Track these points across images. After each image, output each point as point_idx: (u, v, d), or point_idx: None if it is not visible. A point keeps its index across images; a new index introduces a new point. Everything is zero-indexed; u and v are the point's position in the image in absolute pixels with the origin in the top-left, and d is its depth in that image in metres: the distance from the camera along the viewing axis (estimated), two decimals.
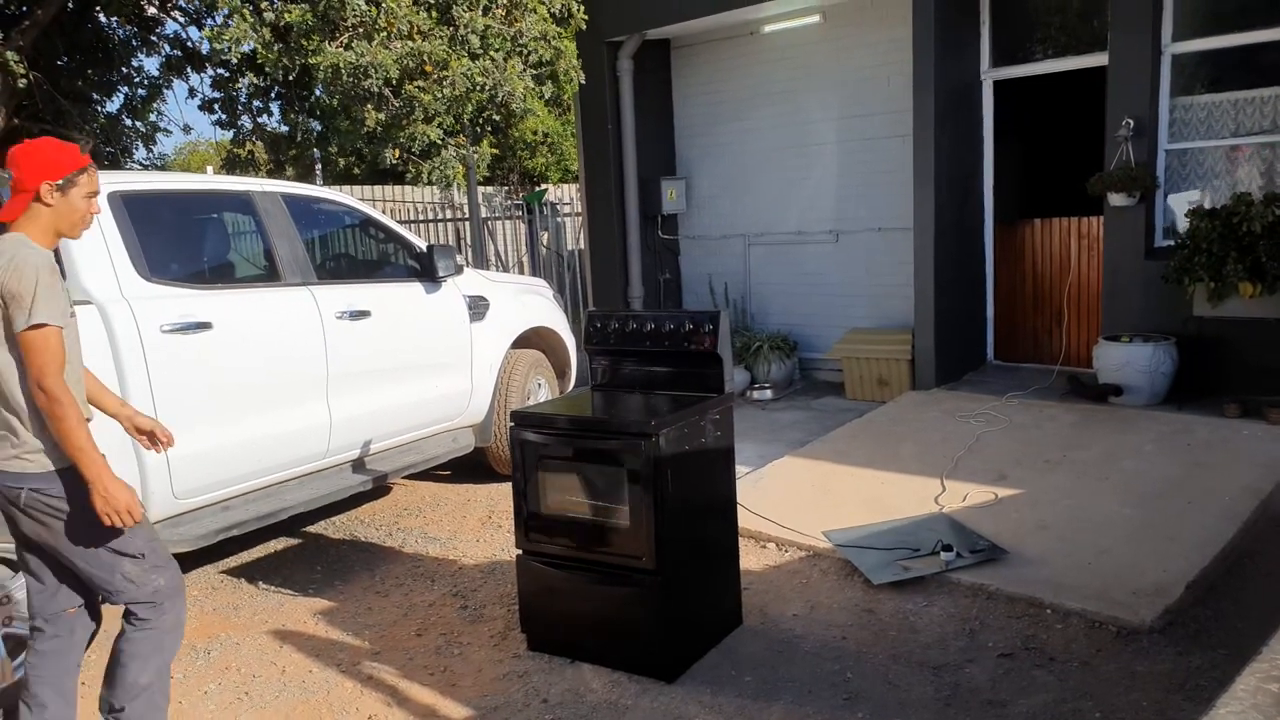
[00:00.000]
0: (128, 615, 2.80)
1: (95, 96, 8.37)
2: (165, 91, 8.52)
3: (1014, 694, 3.15)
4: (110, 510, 2.57)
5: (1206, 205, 5.81)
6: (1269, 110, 5.87)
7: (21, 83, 6.85)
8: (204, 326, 4.00)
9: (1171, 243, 6.00)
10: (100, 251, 3.79)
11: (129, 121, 8.50)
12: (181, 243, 4.48)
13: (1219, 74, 6.01)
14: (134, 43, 8.38)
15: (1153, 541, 4.11)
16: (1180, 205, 6.13)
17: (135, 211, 3.96)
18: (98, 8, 7.71)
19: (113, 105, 8.59)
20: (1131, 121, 6.01)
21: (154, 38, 8.49)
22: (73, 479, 2.59)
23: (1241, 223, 5.38)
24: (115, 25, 8.25)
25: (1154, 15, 5.94)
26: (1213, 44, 5.92)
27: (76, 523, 2.63)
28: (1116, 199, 6.11)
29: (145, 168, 8.85)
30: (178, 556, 4.02)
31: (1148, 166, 6.05)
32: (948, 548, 4.10)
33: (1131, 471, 4.91)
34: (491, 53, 6.74)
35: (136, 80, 8.48)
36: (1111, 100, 6.13)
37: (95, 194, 2.71)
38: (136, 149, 8.80)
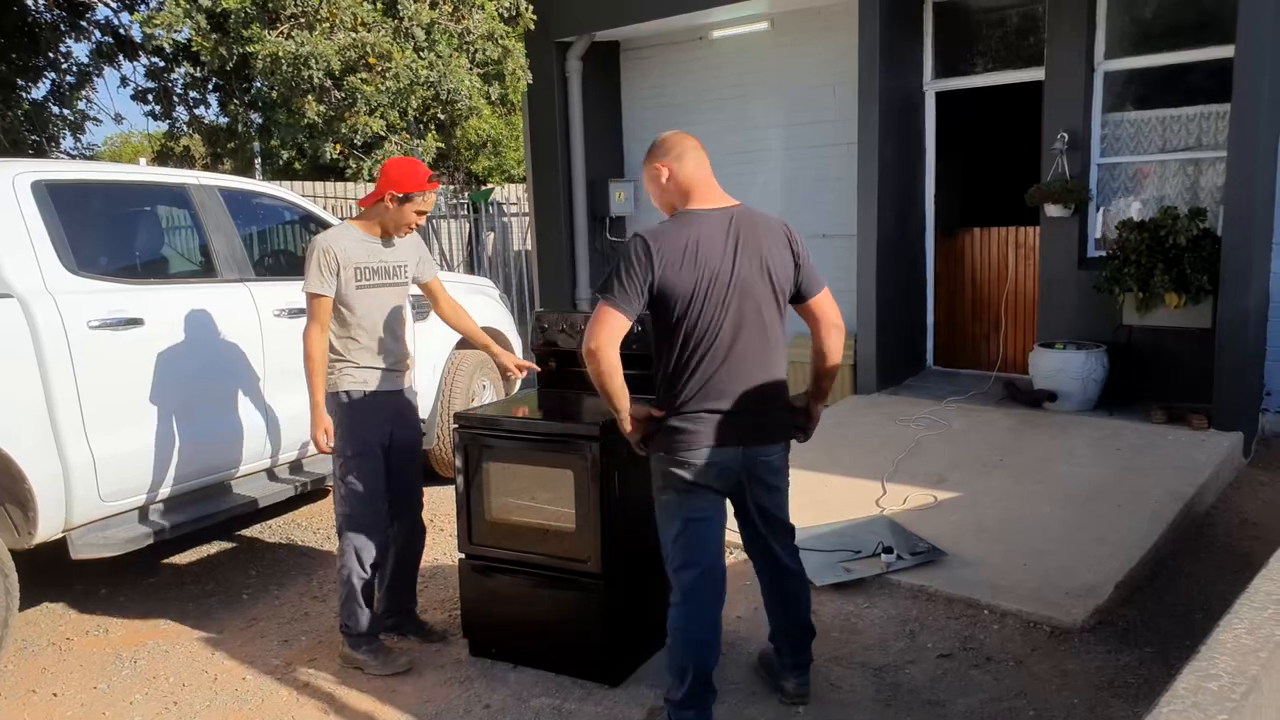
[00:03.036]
0: None
1: (20, 82, 8.06)
2: (95, 79, 8.26)
3: (953, 694, 3.20)
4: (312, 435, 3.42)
5: (1135, 218, 6.00)
6: (1194, 128, 6.08)
7: None
8: (135, 323, 3.86)
9: (1103, 253, 6.18)
10: (23, 243, 3.64)
11: (56, 109, 8.20)
12: (111, 236, 4.32)
13: (1148, 92, 6.22)
14: (62, 27, 8.09)
15: (1084, 543, 4.22)
16: (1111, 218, 6.32)
17: (61, 202, 3.80)
18: None
19: (39, 91, 8.30)
20: (1066, 135, 6.18)
21: (83, 23, 8.21)
22: (333, 403, 3.43)
23: (1168, 236, 5.57)
24: (42, 8, 7.96)
25: (1088, 33, 6.12)
26: (1142, 63, 6.12)
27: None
28: (1052, 210, 6.28)
29: (73, 157, 8.55)
30: (104, 561, 3.92)
31: (1082, 179, 6.23)
32: (888, 550, 4.15)
33: (1064, 475, 5.04)
34: (437, 48, 6.66)
35: (64, 66, 8.19)
36: (1047, 114, 6.30)
37: (425, 211, 3.49)
38: (64, 138, 8.52)
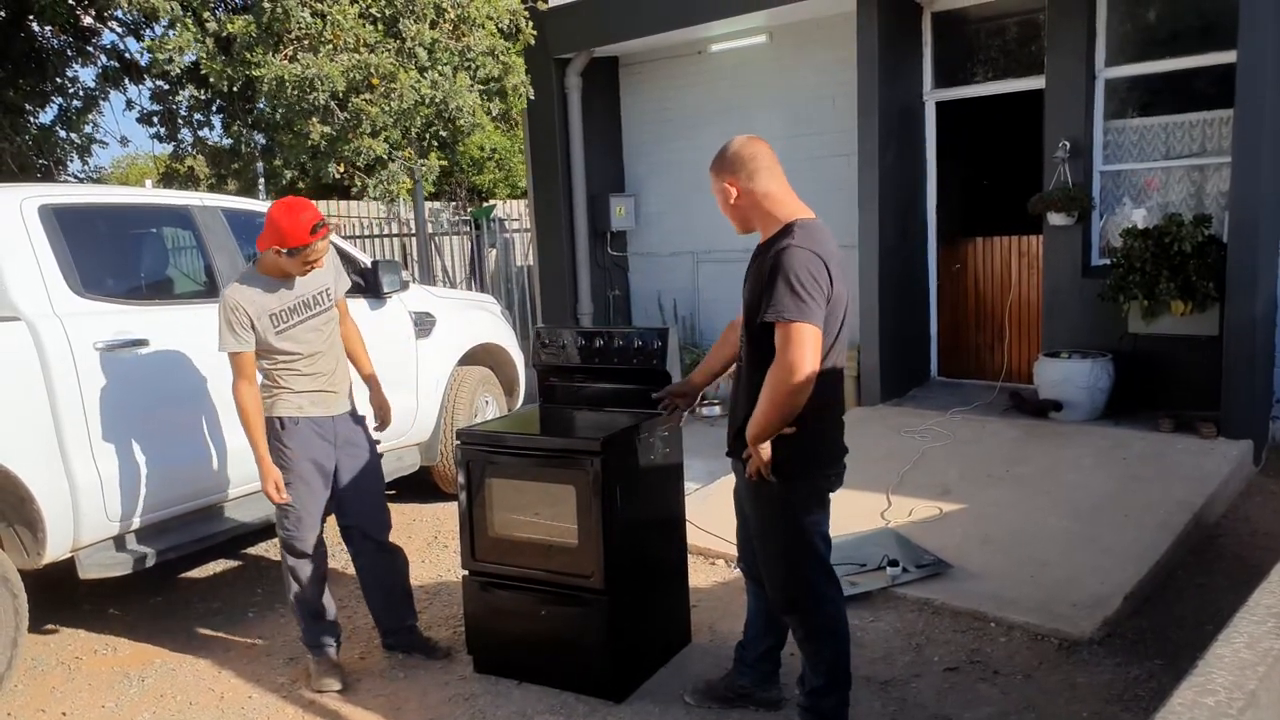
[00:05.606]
0: None
1: (28, 107, 8.13)
2: (101, 103, 8.30)
3: (959, 708, 3.18)
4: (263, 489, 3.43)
5: (1140, 225, 5.98)
6: (1197, 134, 6.07)
7: None
8: (140, 343, 3.88)
9: (1108, 261, 6.16)
10: (30, 266, 3.67)
11: (63, 133, 8.25)
12: (117, 258, 4.36)
13: (1150, 99, 6.21)
14: (69, 53, 8.16)
15: (1092, 554, 4.20)
16: (1114, 225, 6.31)
17: (68, 226, 3.84)
18: (31, 16, 7.50)
19: (46, 116, 8.34)
20: (1068, 143, 6.18)
21: (90, 48, 8.28)
22: (269, 428, 3.43)
23: (1173, 243, 5.55)
24: (49, 34, 8.03)
25: (1088, 41, 6.12)
26: (1144, 69, 6.12)
27: None
28: (1055, 218, 6.26)
29: (80, 181, 8.61)
30: (112, 581, 3.92)
31: (1084, 187, 6.23)
32: (894, 563, 4.14)
33: (1071, 485, 5.01)
34: (439, 66, 6.70)
35: (71, 91, 8.25)
36: (1049, 122, 6.30)
37: (313, 261, 3.34)
38: (71, 161, 8.55)
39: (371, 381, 3.80)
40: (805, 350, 2.53)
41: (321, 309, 3.50)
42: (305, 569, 3.51)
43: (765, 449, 2.67)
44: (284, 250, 3.28)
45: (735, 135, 2.90)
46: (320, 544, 3.55)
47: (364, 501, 3.62)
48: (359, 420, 3.64)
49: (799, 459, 2.71)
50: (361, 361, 3.79)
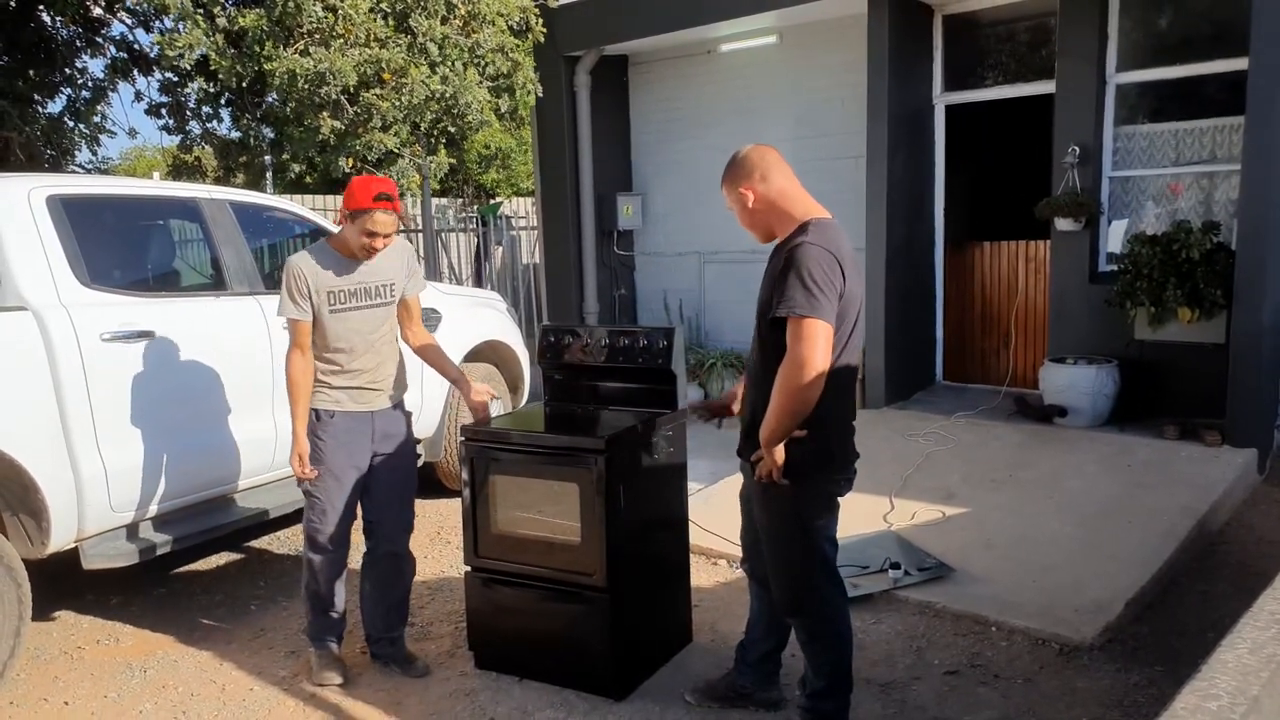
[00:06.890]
0: None
1: (36, 97, 8.16)
2: (110, 94, 8.34)
3: (959, 711, 3.18)
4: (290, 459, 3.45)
5: (1148, 232, 5.97)
6: (1208, 141, 6.05)
7: None
8: (145, 335, 3.89)
9: (1115, 268, 6.15)
10: (37, 256, 3.68)
11: (71, 123, 8.29)
12: (123, 249, 4.36)
13: (1161, 105, 6.19)
14: (78, 43, 8.19)
15: (1094, 560, 4.19)
16: (1123, 232, 6.29)
17: (75, 216, 3.84)
18: (41, 6, 7.53)
19: (55, 106, 8.39)
20: (1077, 149, 6.16)
21: (99, 39, 8.31)
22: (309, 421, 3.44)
23: (1181, 250, 5.53)
24: (59, 25, 8.06)
25: (1099, 46, 6.11)
26: (1155, 75, 6.10)
27: None
28: (1063, 224, 6.25)
29: (88, 171, 8.64)
30: (115, 571, 3.94)
31: (1093, 193, 6.21)
32: (896, 565, 4.14)
33: (1075, 491, 5.01)
34: (450, 62, 6.71)
35: (80, 82, 8.28)
36: (1058, 127, 6.28)
37: (373, 234, 3.27)
38: (79, 152, 8.59)
39: (460, 385, 3.65)
40: (817, 346, 2.51)
41: (381, 301, 3.46)
42: (321, 562, 3.50)
43: (779, 452, 2.63)
44: (348, 212, 3.28)
45: (743, 138, 2.88)
46: (342, 540, 3.51)
47: (389, 499, 3.57)
48: (402, 415, 3.59)
49: (810, 463, 2.69)
50: (446, 369, 3.69)
